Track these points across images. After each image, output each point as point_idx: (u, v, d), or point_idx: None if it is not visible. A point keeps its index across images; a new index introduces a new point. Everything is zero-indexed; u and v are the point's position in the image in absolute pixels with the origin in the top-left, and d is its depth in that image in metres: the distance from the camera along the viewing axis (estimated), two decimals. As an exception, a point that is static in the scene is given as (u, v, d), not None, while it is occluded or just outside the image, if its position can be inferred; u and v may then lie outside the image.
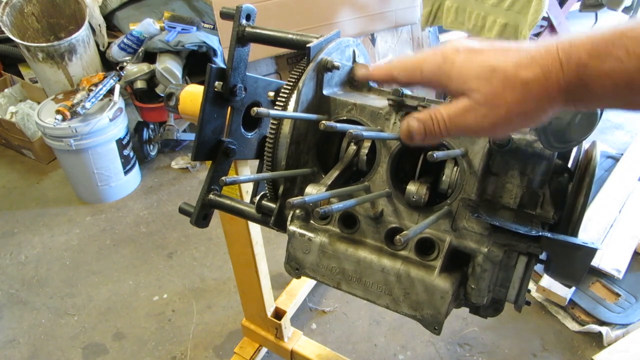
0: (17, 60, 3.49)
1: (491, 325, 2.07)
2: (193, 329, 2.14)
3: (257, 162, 1.18)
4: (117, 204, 2.90)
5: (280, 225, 0.93)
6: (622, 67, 0.45)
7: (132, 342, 2.10)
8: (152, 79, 2.83)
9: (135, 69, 2.78)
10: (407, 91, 0.83)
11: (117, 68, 2.93)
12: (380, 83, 0.65)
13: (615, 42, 0.45)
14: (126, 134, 2.83)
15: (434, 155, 0.65)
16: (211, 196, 1.08)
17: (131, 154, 2.93)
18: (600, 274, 2.19)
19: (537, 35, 3.06)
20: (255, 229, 1.48)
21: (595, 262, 2.17)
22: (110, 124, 2.65)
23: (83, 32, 2.99)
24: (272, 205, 0.95)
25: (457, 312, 1.00)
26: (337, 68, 0.87)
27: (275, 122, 0.90)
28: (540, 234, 0.69)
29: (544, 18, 2.74)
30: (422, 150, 0.84)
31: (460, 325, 2.08)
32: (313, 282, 2.18)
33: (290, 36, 0.97)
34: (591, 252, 0.69)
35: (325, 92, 0.90)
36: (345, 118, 0.89)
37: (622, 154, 2.86)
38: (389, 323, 2.11)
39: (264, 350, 1.96)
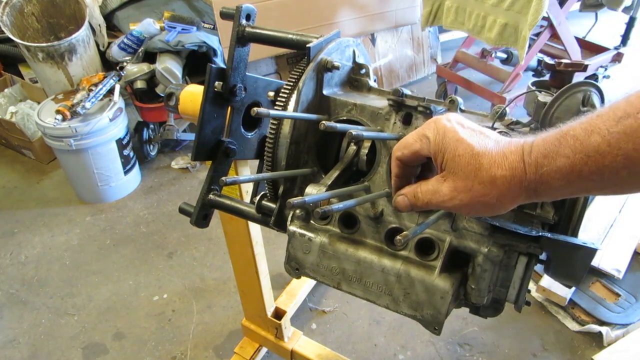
0: (17, 60, 3.49)
1: (491, 325, 2.07)
2: (193, 329, 2.14)
3: (257, 162, 1.18)
4: (117, 204, 2.90)
5: (280, 225, 0.93)
6: (570, 162, 0.51)
7: (132, 342, 2.10)
8: (152, 79, 2.83)
9: (135, 69, 2.78)
10: (407, 91, 0.83)
11: (117, 68, 2.93)
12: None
13: (561, 142, 0.52)
14: (126, 134, 2.83)
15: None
16: (211, 196, 1.08)
17: (131, 154, 2.93)
18: (600, 274, 2.19)
19: (537, 35, 3.06)
20: (255, 229, 1.48)
21: (595, 262, 2.17)
22: (110, 124, 2.65)
23: (83, 32, 2.99)
24: (272, 205, 0.95)
25: (457, 312, 1.00)
26: (337, 68, 0.87)
27: (275, 122, 0.90)
28: (540, 234, 0.69)
29: (544, 18, 2.74)
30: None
31: (460, 325, 2.08)
32: (313, 282, 2.18)
33: (290, 36, 0.97)
34: (591, 252, 0.70)
35: (325, 92, 0.90)
36: (345, 118, 0.89)
37: (622, 154, 2.86)
38: (389, 323, 2.11)
39: (264, 350, 1.96)
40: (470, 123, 0.60)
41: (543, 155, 0.53)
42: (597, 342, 1.99)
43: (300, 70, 0.91)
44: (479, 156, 0.56)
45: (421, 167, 0.67)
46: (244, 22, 0.98)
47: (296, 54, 3.44)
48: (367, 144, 0.88)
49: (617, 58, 3.52)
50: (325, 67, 0.88)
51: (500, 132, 0.74)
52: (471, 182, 0.56)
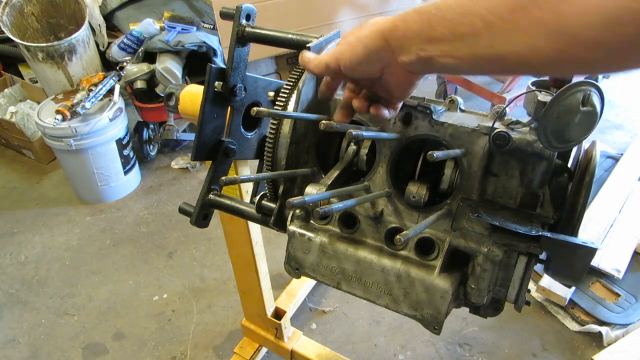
0: (17, 60, 3.49)
1: (491, 325, 2.07)
2: (193, 329, 2.14)
3: (257, 162, 1.18)
4: (117, 204, 2.90)
5: (280, 225, 0.93)
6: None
7: (132, 342, 2.10)
8: (152, 79, 2.83)
9: (135, 69, 2.78)
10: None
11: (117, 68, 2.93)
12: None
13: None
14: (126, 134, 2.83)
15: (434, 155, 0.65)
16: (211, 196, 1.08)
17: (131, 154, 2.93)
18: (600, 274, 2.19)
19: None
20: (255, 229, 1.48)
21: (595, 262, 2.17)
22: (110, 124, 2.65)
23: (83, 32, 2.99)
24: (272, 205, 0.95)
25: (457, 312, 1.00)
26: (337, 68, 0.87)
27: (275, 122, 0.90)
28: (540, 233, 0.69)
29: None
30: (422, 150, 0.85)
31: (460, 325, 2.08)
32: (313, 282, 2.18)
33: (290, 36, 0.97)
34: (591, 251, 0.70)
35: (325, 92, 0.90)
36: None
37: (622, 154, 2.86)
38: (389, 323, 2.11)
39: (264, 350, 1.96)
40: None
41: (417, 12, 0.59)
42: (597, 342, 1.99)
43: (300, 70, 0.91)
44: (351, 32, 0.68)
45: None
46: (244, 22, 0.98)
47: (296, 54, 3.43)
48: (367, 144, 0.89)
49: (617, 58, 3.51)
50: (325, 67, 0.87)
51: (499, 132, 0.74)
52: (345, 40, 0.68)
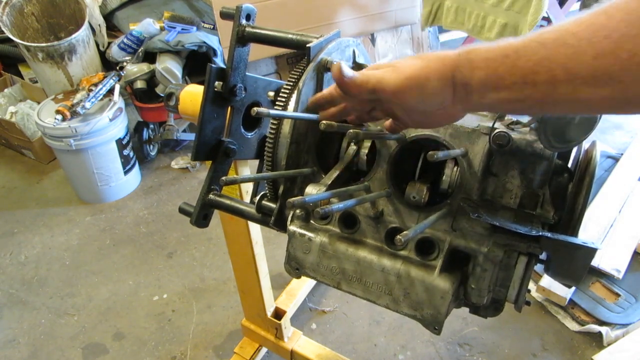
0: (17, 60, 3.49)
1: (491, 325, 2.07)
2: (193, 329, 2.14)
3: (257, 162, 1.18)
4: (117, 204, 2.90)
5: (280, 225, 0.93)
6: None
7: (132, 342, 2.10)
8: (152, 79, 2.83)
9: (135, 69, 2.78)
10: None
11: (117, 68, 2.93)
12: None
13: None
14: (126, 134, 2.83)
15: (434, 155, 0.65)
16: (211, 196, 1.08)
17: (131, 154, 2.93)
18: (600, 274, 2.18)
19: (537, 35, 3.05)
20: (255, 229, 1.48)
21: (595, 262, 2.16)
22: (110, 124, 2.65)
23: (83, 32, 2.99)
24: (272, 205, 0.95)
25: (457, 312, 1.00)
26: (337, 68, 0.87)
27: (275, 122, 0.90)
28: (540, 233, 0.69)
29: (544, 18, 2.74)
30: (422, 150, 0.85)
31: (460, 325, 2.08)
32: (313, 282, 2.18)
33: (290, 36, 0.97)
34: (591, 251, 0.70)
35: (325, 92, 0.90)
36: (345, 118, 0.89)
37: (622, 154, 2.86)
38: (389, 323, 2.11)
39: (263, 350, 1.96)
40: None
41: (483, 58, 0.55)
42: (597, 342, 1.99)
43: (300, 70, 0.91)
44: (406, 59, 0.62)
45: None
46: (244, 22, 0.98)
47: (296, 54, 3.44)
48: (367, 144, 0.89)
49: (617, 58, 3.51)
50: (325, 67, 0.88)
51: (499, 132, 0.74)
52: (401, 65, 0.62)
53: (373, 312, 2.15)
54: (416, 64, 0.60)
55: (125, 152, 2.85)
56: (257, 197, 0.99)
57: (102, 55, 3.23)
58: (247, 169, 1.33)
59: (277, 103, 0.92)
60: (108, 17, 3.37)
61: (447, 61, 0.58)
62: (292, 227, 0.88)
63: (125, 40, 2.99)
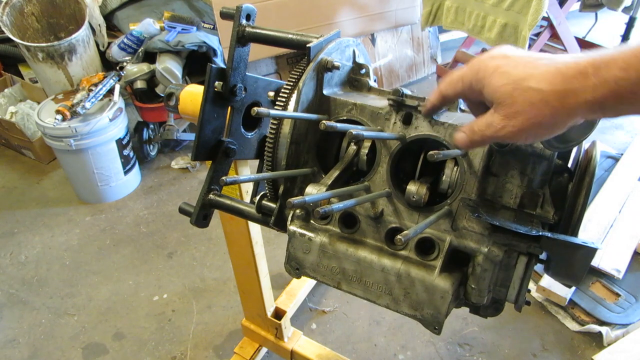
0: (17, 60, 3.49)
1: (491, 325, 2.07)
2: (193, 329, 2.14)
3: (257, 162, 1.18)
4: (117, 204, 2.90)
5: (280, 225, 0.93)
6: None
7: (132, 342, 2.10)
8: (152, 79, 2.83)
9: (135, 69, 2.78)
10: (407, 91, 0.83)
11: (117, 68, 2.93)
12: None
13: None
14: (126, 134, 2.83)
15: (434, 155, 0.65)
16: (211, 196, 1.08)
17: (131, 154, 2.93)
18: (600, 274, 2.19)
19: (537, 35, 3.06)
20: (255, 229, 1.48)
21: (595, 262, 2.17)
22: (110, 124, 2.65)
23: (83, 32, 2.99)
24: (272, 205, 0.95)
25: (457, 312, 1.00)
26: (337, 68, 0.87)
27: (275, 122, 0.90)
28: (540, 233, 0.69)
29: (544, 18, 2.74)
30: (422, 150, 0.85)
31: (460, 325, 2.08)
32: (313, 282, 2.18)
33: (290, 36, 0.97)
34: (591, 251, 0.70)
35: (325, 92, 0.90)
36: (345, 118, 0.89)
37: (622, 154, 2.86)
38: (389, 323, 2.11)
39: (264, 350, 1.96)
40: (521, 52, 0.58)
41: (619, 67, 0.50)
42: (597, 342, 1.99)
43: (300, 70, 0.91)
44: (523, 80, 0.54)
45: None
46: (244, 22, 0.98)
47: (296, 54, 3.44)
48: (367, 144, 0.88)
49: (617, 58, 3.51)
50: (326, 67, 0.88)
51: None
52: (520, 105, 0.55)
53: (373, 312, 2.15)
54: (528, 105, 0.54)
55: (125, 152, 2.85)
56: (257, 197, 0.99)
57: (102, 55, 3.24)
58: (247, 169, 1.33)
59: (277, 103, 0.92)
60: (108, 17, 3.37)
61: (570, 88, 0.53)
62: (292, 227, 0.88)
63: (125, 40, 2.99)
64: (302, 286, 2.10)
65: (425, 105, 0.75)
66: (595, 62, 0.52)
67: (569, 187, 0.77)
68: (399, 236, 0.63)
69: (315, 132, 0.90)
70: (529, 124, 0.56)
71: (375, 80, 0.99)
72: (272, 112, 0.78)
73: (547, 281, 2.12)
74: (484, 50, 3.50)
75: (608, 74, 0.51)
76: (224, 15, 1.00)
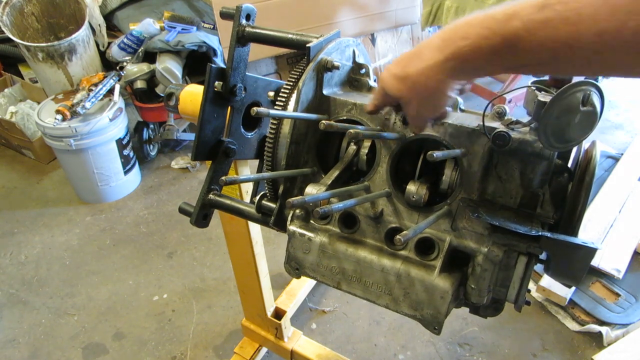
0: (17, 60, 3.49)
1: (491, 325, 2.07)
2: (193, 329, 2.14)
3: (257, 162, 1.18)
4: (117, 204, 2.90)
5: (280, 225, 0.93)
6: (489, 43, 0.59)
7: (132, 342, 2.10)
8: (152, 79, 2.83)
9: (135, 69, 2.78)
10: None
11: (117, 68, 2.93)
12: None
13: (483, 23, 0.61)
14: (126, 134, 2.83)
15: (434, 155, 0.65)
16: (211, 196, 1.08)
17: (131, 154, 2.93)
18: (600, 274, 2.18)
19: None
20: (255, 229, 1.48)
21: (595, 262, 2.16)
22: (110, 124, 2.65)
23: (83, 32, 2.99)
24: (272, 205, 0.95)
25: (457, 312, 1.00)
26: (337, 68, 0.87)
27: (275, 121, 0.90)
28: (540, 233, 0.69)
29: (544, 18, 2.74)
30: (422, 150, 0.85)
31: (460, 325, 2.08)
32: (313, 282, 2.18)
33: (290, 36, 0.97)
34: (591, 251, 0.70)
35: (325, 91, 0.90)
36: (345, 118, 0.89)
37: (622, 154, 2.86)
38: (389, 323, 2.11)
39: (264, 350, 1.96)
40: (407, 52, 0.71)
41: (461, 37, 0.61)
42: (597, 342, 1.99)
43: (300, 70, 0.91)
44: (400, 57, 0.68)
45: None
46: (244, 22, 0.98)
47: (296, 54, 3.44)
48: (367, 144, 0.89)
49: (617, 58, 3.51)
50: (325, 67, 0.88)
51: (499, 132, 0.73)
52: (380, 81, 0.71)
53: (373, 312, 2.15)
54: (404, 58, 0.67)
55: (125, 152, 2.85)
56: (257, 197, 0.99)
57: (102, 55, 3.24)
58: (247, 169, 1.33)
59: (277, 103, 0.92)
60: (108, 17, 3.37)
61: (434, 43, 0.64)
62: (292, 227, 0.88)
63: (125, 40, 2.99)
64: (302, 286, 2.10)
65: (367, 107, 0.81)
66: (445, 35, 0.63)
67: (569, 187, 0.77)
68: (398, 236, 0.63)
69: (315, 132, 0.90)
70: (403, 65, 0.68)
71: (375, 80, 0.99)
72: (272, 112, 0.78)
73: (547, 281, 2.12)
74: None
75: (453, 45, 0.62)
76: (224, 15, 1.01)
